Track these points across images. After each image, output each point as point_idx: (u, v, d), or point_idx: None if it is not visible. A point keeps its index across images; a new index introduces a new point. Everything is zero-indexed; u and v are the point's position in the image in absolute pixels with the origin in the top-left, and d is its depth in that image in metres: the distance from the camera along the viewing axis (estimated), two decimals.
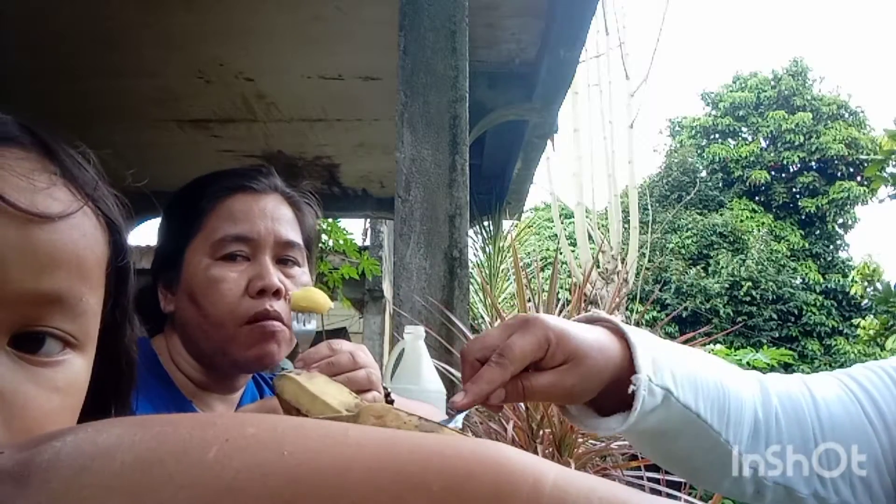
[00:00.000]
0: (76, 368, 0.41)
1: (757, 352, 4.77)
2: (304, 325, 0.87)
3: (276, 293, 0.89)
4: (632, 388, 0.62)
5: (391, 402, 0.90)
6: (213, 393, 0.95)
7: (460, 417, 0.64)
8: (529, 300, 2.37)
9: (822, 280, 16.30)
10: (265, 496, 0.28)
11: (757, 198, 17.92)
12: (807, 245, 17.04)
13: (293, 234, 0.95)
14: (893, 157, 5.00)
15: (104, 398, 0.47)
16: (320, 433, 0.30)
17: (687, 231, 16.71)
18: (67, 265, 0.40)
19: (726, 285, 15.32)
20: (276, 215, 0.94)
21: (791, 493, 0.67)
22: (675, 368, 0.66)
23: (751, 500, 0.70)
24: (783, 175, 17.96)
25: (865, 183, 14.72)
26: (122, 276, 0.46)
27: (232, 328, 0.88)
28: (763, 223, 17.17)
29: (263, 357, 0.90)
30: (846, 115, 17.98)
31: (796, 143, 17.48)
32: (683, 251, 16.38)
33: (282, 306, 0.90)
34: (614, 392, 0.64)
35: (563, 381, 0.63)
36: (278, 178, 1.00)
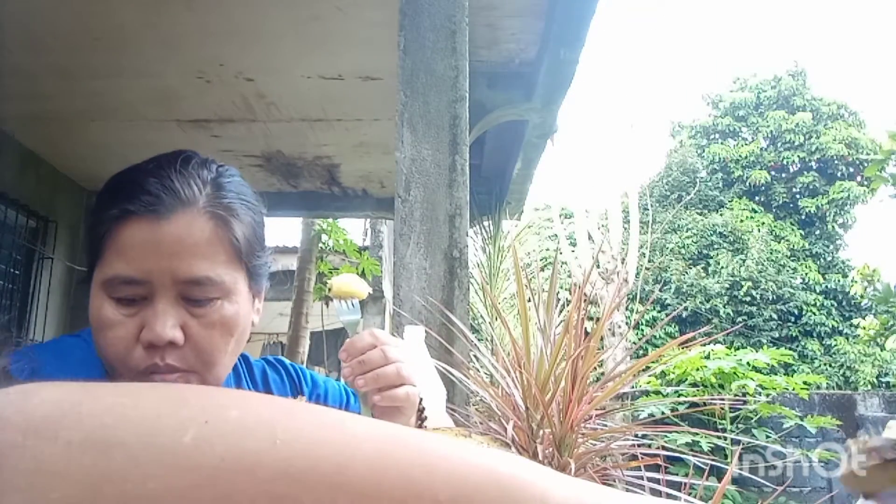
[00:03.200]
0: None
1: (757, 352, 4.75)
2: (348, 311, 0.91)
3: (172, 343, 0.77)
4: None
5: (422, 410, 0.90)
6: None
7: None
8: (529, 300, 2.36)
9: (822, 280, 16.30)
10: (253, 489, 0.24)
11: (757, 198, 17.93)
12: (807, 245, 17.05)
13: (205, 264, 0.78)
14: (893, 157, 4.99)
15: None
16: (315, 420, 0.27)
17: (687, 231, 16.71)
18: None
19: (726, 285, 15.32)
20: (180, 247, 0.77)
21: None
22: None
23: None
24: (783, 175, 17.97)
25: (865, 183, 14.73)
26: None
27: (125, 374, 0.79)
28: (763, 223, 17.18)
29: None
30: (846, 116, 17.99)
31: (796, 143, 17.50)
32: (683, 251, 16.38)
33: (179, 356, 0.78)
34: None
35: None
36: (196, 180, 0.80)
